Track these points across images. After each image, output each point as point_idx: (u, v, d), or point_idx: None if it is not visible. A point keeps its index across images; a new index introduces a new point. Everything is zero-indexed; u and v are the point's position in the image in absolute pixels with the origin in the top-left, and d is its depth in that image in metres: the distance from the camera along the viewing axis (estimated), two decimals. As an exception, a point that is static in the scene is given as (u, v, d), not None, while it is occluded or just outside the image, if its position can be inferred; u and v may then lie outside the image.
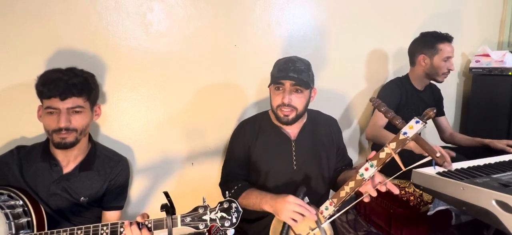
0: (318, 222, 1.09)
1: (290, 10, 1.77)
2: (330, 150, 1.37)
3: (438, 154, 0.94)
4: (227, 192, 1.25)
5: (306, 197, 1.09)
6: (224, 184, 1.36)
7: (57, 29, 1.33)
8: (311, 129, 1.36)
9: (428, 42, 1.80)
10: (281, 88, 1.25)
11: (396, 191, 1.05)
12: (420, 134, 1.05)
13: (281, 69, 1.24)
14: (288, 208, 1.05)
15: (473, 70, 2.33)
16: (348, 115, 2.12)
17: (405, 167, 1.00)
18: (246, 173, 1.36)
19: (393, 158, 1.00)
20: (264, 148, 1.32)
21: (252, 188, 1.26)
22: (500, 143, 1.69)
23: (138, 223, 0.94)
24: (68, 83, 1.09)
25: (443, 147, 1.59)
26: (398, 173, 1.03)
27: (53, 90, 1.08)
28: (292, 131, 1.34)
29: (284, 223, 1.09)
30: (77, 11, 1.35)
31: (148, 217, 0.97)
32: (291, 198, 1.07)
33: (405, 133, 0.98)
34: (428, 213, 1.66)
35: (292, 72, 1.22)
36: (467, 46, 2.44)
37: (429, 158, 0.98)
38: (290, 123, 1.26)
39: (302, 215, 1.05)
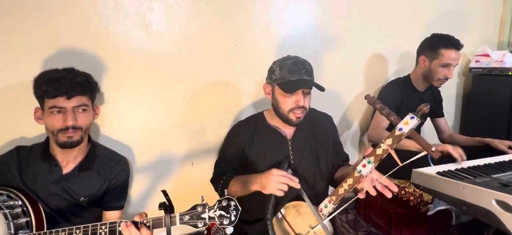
0: (318, 218, 1.09)
1: (290, 10, 1.77)
2: (326, 147, 1.38)
3: (433, 149, 0.94)
4: (219, 188, 1.28)
5: (290, 169, 1.13)
6: (214, 180, 1.40)
7: (57, 29, 1.33)
8: (307, 127, 1.36)
9: (433, 44, 1.76)
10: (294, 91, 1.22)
11: (395, 188, 1.05)
12: (419, 132, 1.05)
13: (292, 72, 1.21)
14: (273, 180, 1.07)
15: (473, 70, 2.33)
16: (348, 115, 2.12)
17: (402, 162, 1.00)
18: (236, 173, 1.35)
19: (390, 156, 1.00)
20: (261, 150, 1.32)
21: (236, 176, 1.27)
22: (502, 144, 1.67)
23: (136, 223, 0.94)
24: (73, 82, 1.10)
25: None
26: (394, 169, 1.03)
27: (59, 89, 1.08)
28: (288, 130, 1.34)
29: (270, 195, 1.10)
30: (77, 11, 1.35)
31: (146, 216, 0.97)
32: (274, 171, 1.09)
33: (400, 129, 0.98)
34: (428, 213, 1.66)
35: (305, 74, 1.22)
36: (467, 46, 2.41)
37: (424, 153, 0.97)
38: (299, 123, 1.27)
39: (287, 186, 1.08)
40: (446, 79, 1.77)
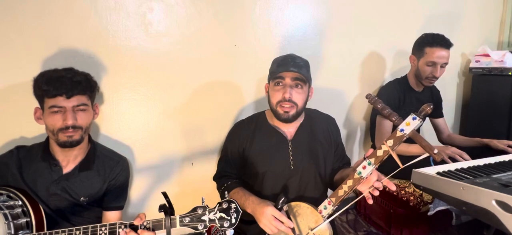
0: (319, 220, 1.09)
1: (290, 10, 1.77)
2: (327, 149, 1.37)
3: (435, 151, 0.93)
4: (221, 191, 1.29)
5: (285, 206, 1.09)
6: (217, 180, 1.41)
7: (57, 29, 1.33)
8: (308, 128, 1.35)
9: (419, 43, 1.79)
10: (281, 84, 1.24)
11: (392, 187, 1.05)
12: (419, 132, 1.04)
13: (281, 64, 1.24)
14: (266, 219, 1.08)
15: (473, 70, 2.33)
16: (349, 115, 2.12)
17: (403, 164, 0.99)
18: (237, 172, 1.38)
19: (390, 157, 0.99)
20: (261, 149, 1.32)
21: (239, 188, 1.28)
22: (501, 144, 1.68)
23: (135, 227, 0.94)
24: (73, 81, 1.10)
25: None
26: (396, 171, 1.02)
27: (59, 88, 1.08)
28: (289, 131, 1.34)
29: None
30: (77, 11, 1.35)
31: (145, 218, 0.97)
32: (269, 210, 1.08)
33: (402, 130, 0.97)
34: (428, 213, 1.66)
35: (293, 66, 1.22)
36: (467, 46, 2.44)
37: (426, 155, 0.97)
38: (290, 120, 1.26)
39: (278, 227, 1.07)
40: (434, 77, 1.76)
